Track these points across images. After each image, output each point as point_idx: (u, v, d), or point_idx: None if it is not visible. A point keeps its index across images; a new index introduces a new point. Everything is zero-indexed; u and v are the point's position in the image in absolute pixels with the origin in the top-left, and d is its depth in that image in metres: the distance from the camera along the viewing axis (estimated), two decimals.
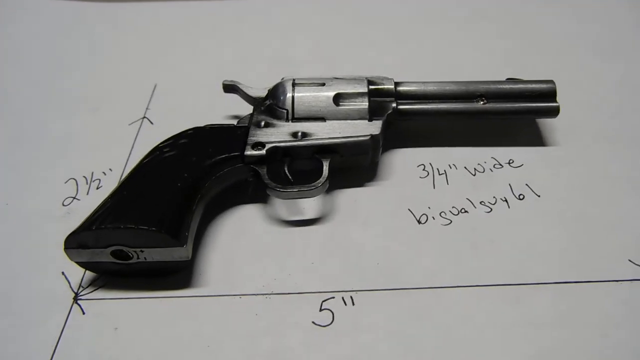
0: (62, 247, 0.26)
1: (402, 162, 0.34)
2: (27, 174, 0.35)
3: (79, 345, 0.26)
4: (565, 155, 0.34)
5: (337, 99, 0.32)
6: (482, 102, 0.34)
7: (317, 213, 0.32)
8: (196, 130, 0.31)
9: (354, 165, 0.33)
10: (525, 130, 0.36)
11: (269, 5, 0.50)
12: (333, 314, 0.27)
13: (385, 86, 0.34)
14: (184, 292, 0.28)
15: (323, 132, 0.31)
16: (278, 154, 0.31)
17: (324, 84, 0.33)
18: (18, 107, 0.40)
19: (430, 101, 0.34)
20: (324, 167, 0.31)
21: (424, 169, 0.34)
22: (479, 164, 0.34)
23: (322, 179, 0.30)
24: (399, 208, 0.32)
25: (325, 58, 0.43)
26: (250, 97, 0.35)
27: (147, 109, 0.39)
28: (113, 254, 0.27)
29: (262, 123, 0.32)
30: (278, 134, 0.31)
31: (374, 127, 0.32)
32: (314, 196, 0.31)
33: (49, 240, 0.30)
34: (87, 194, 0.33)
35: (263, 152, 0.30)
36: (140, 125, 0.38)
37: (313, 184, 0.30)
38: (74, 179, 0.34)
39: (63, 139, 0.37)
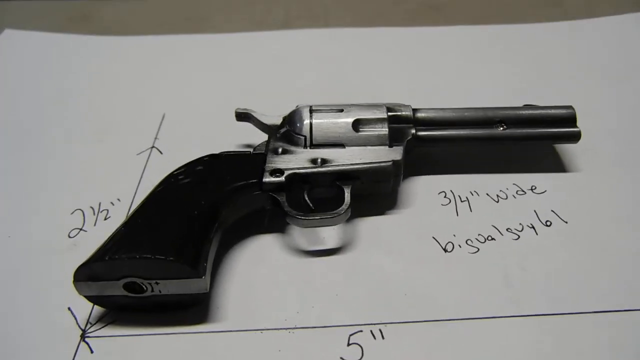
0: (71, 279, 0.25)
1: (423, 189, 0.33)
2: (32, 204, 0.33)
3: None
4: (588, 180, 0.34)
5: (357, 125, 0.32)
6: (501, 128, 0.33)
7: (338, 242, 0.30)
8: (212, 157, 0.30)
9: (374, 193, 0.32)
10: (545, 156, 0.35)
11: (280, 37, 0.50)
12: (362, 349, 0.25)
13: (404, 113, 0.33)
14: (201, 327, 0.26)
15: (343, 159, 0.30)
16: (297, 181, 0.30)
17: (342, 110, 0.32)
18: (23, 137, 0.39)
19: (449, 127, 0.34)
20: (346, 194, 0.30)
21: (445, 197, 0.33)
22: (501, 190, 0.33)
23: (344, 206, 0.29)
24: (423, 236, 0.30)
25: (337, 87, 0.43)
26: (265, 124, 0.34)
27: (155, 138, 0.38)
28: (126, 286, 0.25)
29: (280, 150, 0.31)
30: (297, 161, 0.30)
31: (396, 153, 0.31)
32: (336, 224, 0.29)
33: (54, 273, 0.28)
34: (95, 225, 0.32)
35: (282, 178, 0.29)
36: (149, 155, 0.37)
37: (335, 212, 0.29)
38: (80, 209, 0.33)
39: (69, 169, 0.36)
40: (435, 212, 0.32)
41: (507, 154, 0.36)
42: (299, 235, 0.31)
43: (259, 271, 0.29)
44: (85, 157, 0.37)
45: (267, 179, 0.29)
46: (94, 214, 0.32)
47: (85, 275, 0.25)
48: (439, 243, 0.30)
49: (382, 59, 0.46)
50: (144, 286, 0.25)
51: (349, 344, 0.25)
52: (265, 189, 0.29)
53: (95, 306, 0.27)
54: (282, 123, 0.33)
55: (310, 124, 0.31)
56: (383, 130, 0.32)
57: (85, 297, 0.26)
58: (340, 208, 0.29)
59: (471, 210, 0.32)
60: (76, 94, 0.43)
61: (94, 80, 0.45)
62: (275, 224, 0.31)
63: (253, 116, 0.35)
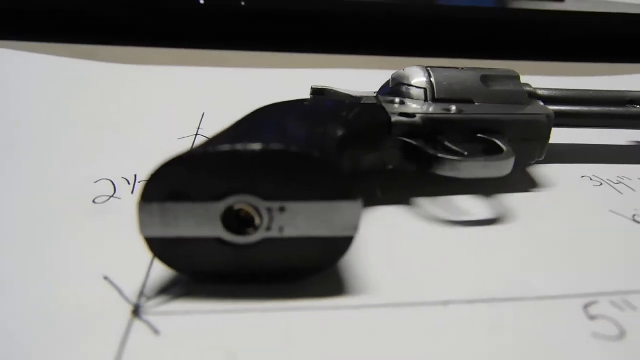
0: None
1: (559, 174, 0.26)
2: (58, 173, 0.23)
3: None
4: None
5: (485, 80, 0.25)
6: (637, 107, 0.28)
7: (488, 214, 0.22)
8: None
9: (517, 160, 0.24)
10: None
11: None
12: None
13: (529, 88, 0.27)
14: (334, 301, 0.16)
15: (481, 111, 0.24)
16: (430, 127, 0.22)
17: (462, 69, 0.26)
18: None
19: (579, 104, 0.28)
20: (499, 143, 0.22)
21: (590, 180, 0.26)
22: None
23: (506, 152, 0.21)
24: (597, 210, 0.23)
25: None
26: (356, 97, 0.27)
27: (199, 128, 0.30)
28: (227, 219, 0.15)
29: (397, 100, 0.24)
30: (424, 108, 0.23)
31: (542, 109, 0.24)
32: (501, 174, 0.21)
33: (77, 241, 0.18)
34: (132, 193, 0.21)
35: (417, 119, 0.22)
36: (194, 141, 0.28)
37: (498, 156, 0.21)
38: (108, 179, 0.23)
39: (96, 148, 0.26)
40: (591, 192, 0.25)
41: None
42: (431, 205, 0.22)
43: (396, 241, 0.19)
44: (119, 140, 0.27)
45: (397, 118, 0.22)
46: (129, 183, 0.22)
47: (164, 187, 0.14)
48: (622, 215, 0.22)
49: None
50: (257, 217, 0.15)
51: (591, 317, 0.16)
52: (395, 133, 0.21)
53: (151, 276, 0.16)
54: (385, 84, 0.26)
55: (429, 74, 0.25)
56: (518, 87, 0.25)
57: (149, 242, 0.15)
58: (505, 152, 0.21)
59: (635, 190, 0.25)
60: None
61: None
62: (390, 196, 0.22)
63: (334, 91, 0.28)
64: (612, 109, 0.28)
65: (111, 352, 0.13)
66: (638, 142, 0.31)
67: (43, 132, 0.28)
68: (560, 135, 0.28)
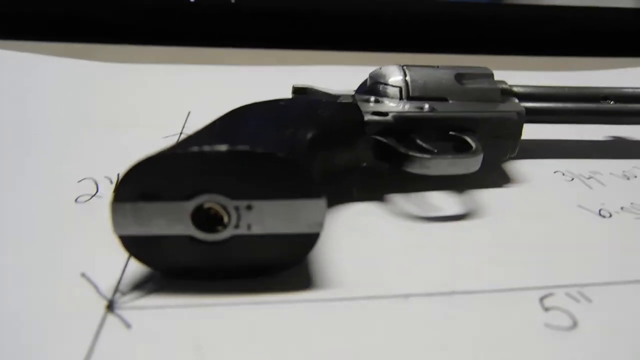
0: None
1: (532, 170, 0.27)
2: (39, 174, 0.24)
3: None
4: None
5: (460, 78, 0.26)
6: (610, 103, 0.29)
7: (459, 210, 0.22)
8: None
9: (488, 157, 0.25)
10: None
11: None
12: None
13: (504, 85, 0.28)
14: (307, 294, 0.16)
15: (453, 109, 0.24)
16: (404, 126, 0.23)
17: (437, 67, 0.27)
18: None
19: (554, 100, 0.28)
20: (469, 140, 0.23)
21: (563, 175, 0.27)
22: (624, 171, 0.27)
23: (475, 148, 0.22)
24: (566, 205, 0.23)
25: None
26: (333, 96, 0.28)
27: (183, 127, 0.30)
28: (196, 217, 0.16)
29: (372, 99, 0.24)
30: (398, 106, 0.24)
31: (515, 106, 0.25)
32: (469, 171, 0.22)
33: (56, 240, 0.18)
34: None
35: (389, 118, 0.22)
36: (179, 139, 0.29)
37: (466, 153, 0.22)
38: (91, 178, 0.23)
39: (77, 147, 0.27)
40: (562, 187, 0.25)
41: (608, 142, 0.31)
42: (404, 201, 0.23)
43: (367, 239, 0.20)
44: (104, 139, 0.28)
45: (370, 117, 0.22)
46: (112, 183, 0.23)
47: (136, 188, 0.15)
48: (589, 210, 0.23)
49: None
50: (227, 213, 0.16)
51: (545, 309, 0.16)
52: (369, 132, 0.22)
53: (126, 272, 0.17)
54: (363, 82, 0.27)
55: (405, 72, 0.25)
56: (492, 85, 0.26)
57: (122, 238, 0.16)
58: (473, 149, 0.22)
59: (604, 185, 0.26)
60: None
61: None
62: (364, 194, 0.23)
63: (315, 90, 0.28)
64: (587, 105, 0.28)
65: (84, 346, 0.14)
66: (614, 137, 0.32)
67: (27, 130, 0.28)
68: (537, 131, 0.29)
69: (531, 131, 0.28)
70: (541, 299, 0.17)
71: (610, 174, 0.27)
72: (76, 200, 0.21)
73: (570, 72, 0.44)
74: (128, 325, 0.15)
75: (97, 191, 0.22)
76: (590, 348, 0.15)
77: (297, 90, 0.28)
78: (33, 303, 0.16)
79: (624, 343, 0.15)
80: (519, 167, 0.27)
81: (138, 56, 0.45)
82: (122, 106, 0.33)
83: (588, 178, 0.26)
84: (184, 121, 0.31)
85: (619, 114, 0.29)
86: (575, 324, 0.16)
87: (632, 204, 0.24)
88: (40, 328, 0.15)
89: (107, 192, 0.22)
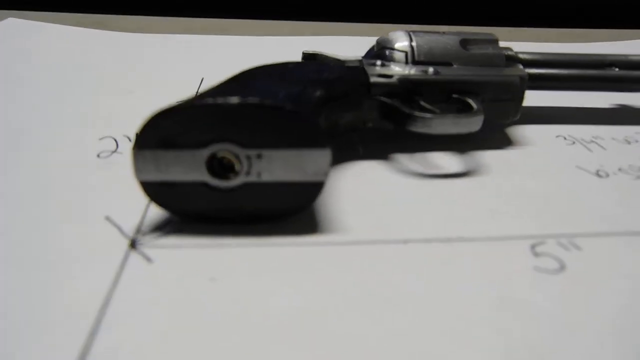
0: (132, 147, 0.16)
1: (535, 134, 0.28)
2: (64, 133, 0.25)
3: (152, 302, 0.15)
4: None
5: (464, 43, 0.27)
6: (615, 70, 0.29)
7: (461, 168, 0.23)
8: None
9: (491, 119, 0.26)
10: None
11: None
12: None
13: (509, 52, 0.28)
14: (315, 238, 0.18)
15: (457, 73, 0.25)
16: (408, 88, 0.24)
17: (443, 33, 0.27)
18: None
19: (559, 67, 0.29)
20: (471, 102, 0.24)
21: (565, 139, 0.27)
22: (626, 136, 0.28)
23: (476, 109, 0.23)
24: (565, 166, 0.24)
25: None
26: (342, 61, 0.29)
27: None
28: (210, 165, 0.17)
29: (378, 62, 0.25)
30: (404, 70, 0.24)
31: (518, 71, 0.26)
32: (471, 130, 0.23)
33: (80, 189, 0.20)
34: None
35: (394, 80, 0.23)
36: None
37: (468, 113, 0.22)
38: (111, 137, 0.25)
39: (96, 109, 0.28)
40: (562, 149, 0.26)
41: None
42: (408, 160, 0.24)
43: (370, 190, 0.21)
44: (121, 103, 0.29)
45: (376, 79, 0.23)
46: (130, 140, 0.24)
47: (155, 136, 0.16)
48: (586, 171, 0.24)
49: None
50: (237, 163, 0.17)
51: (536, 254, 0.17)
52: (374, 93, 0.23)
53: (147, 216, 0.18)
54: (371, 48, 0.28)
55: (411, 38, 0.26)
56: (496, 50, 0.27)
57: (143, 184, 0.17)
58: (475, 109, 0.23)
59: (605, 149, 0.26)
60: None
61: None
62: (370, 152, 0.24)
63: (324, 56, 0.29)
64: (592, 71, 0.29)
65: (110, 277, 0.16)
66: (619, 105, 0.32)
67: (54, 95, 0.30)
68: (542, 99, 0.29)
69: (536, 98, 0.29)
70: (532, 247, 0.18)
71: (612, 138, 0.28)
72: (98, 155, 0.23)
73: (579, 44, 0.44)
74: (149, 260, 0.16)
75: (117, 148, 0.24)
76: (575, 290, 0.16)
77: (307, 57, 0.29)
78: (64, 242, 0.17)
79: (608, 287, 0.16)
80: (522, 131, 0.28)
81: (153, 26, 0.46)
82: (138, 74, 0.34)
83: (589, 142, 0.27)
84: (198, 87, 0.32)
85: (623, 80, 0.29)
86: (562, 268, 0.17)
87: (630, 165, 0.24)
88: (71, 263, 0.16)
89: (126, 148, 0.24)
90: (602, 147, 0.26)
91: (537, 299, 0.15)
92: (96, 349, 0.13)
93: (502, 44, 0.28)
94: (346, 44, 0.41)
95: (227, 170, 0.17)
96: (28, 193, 0.20)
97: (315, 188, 0.18)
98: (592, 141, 0.27)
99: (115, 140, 0.24)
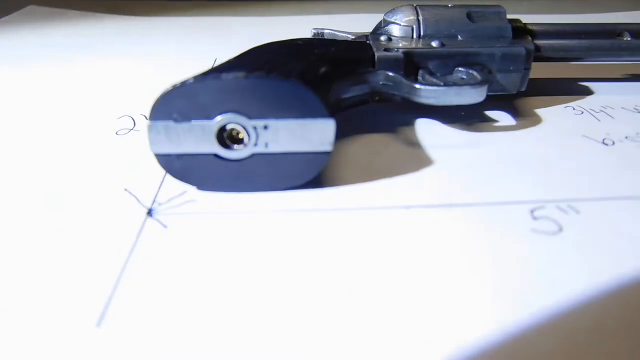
0: (149, 116, 0.18)
1: (541, 106, 0.28)
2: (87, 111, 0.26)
3: (167, 264, 0.16)
4: None
5: (471, 16, 0.27)
6: (627, 39, 0.29)
7: (466, 139, 0.24)
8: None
9: (497, 91, 0.26)
10: None
11: None
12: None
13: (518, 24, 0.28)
14: (320, 204, 0.19)
15: (463, 46, 0.25)
16: (413, 61, 0.24)
17: (450, 6, 0.28)
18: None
19: (569, 37, 0.29)
20: (475, 74, 0.24)
21: (573, 110, 0.27)
22: (636, 106, 0.28)
23: (480, 81, 0.23)
24: (571, 134, 0.24)
25: None
26: (350, 38, 0.29)
27: None
28: (221, 136, 0.18)
29: (384, 37, 0.26)
30: (410, 44, 0.25)
31: (525, 42, 0.26)
32: (476, 101, 0.23)
33: (103, 162, 0.21)
34: None
35: (399, 53, 0.24)
36: None
37: (473, 84, 0.23)
38: (129, 116, 0.26)
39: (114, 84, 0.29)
40: (570, 119, 0.26)
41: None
42: (413, 131, 0.24)
43: (374, 158, 0.22)
44: (136, 83, 0.30)
45: (381, 53, 0.24)
46: (147, 119, 0.25)
47: (167, 109, 0.17)
48: (592, 139, 0.24)
49: None
50: (245, 135, 0.18)
51: (535, 218, 0.18)
52: (379, 67, 0.23)
53: (163, 187, 0.19)
54: (379, 23, 0.28)
55: (418, 13, 0.26)
56: (503, 22, 0.27)
57: (158, 158, 0.18)
58: (479, 80, 0.23)
59: (613, 118, 0.26)
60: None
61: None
62: (377, 124, 0.25)
63: (333, 33, 0.30)
64: (603, 41, 0.29)
65: (128, 243, 0.17)
66: (631, 75, 0.32)
67: (75, 77, 0.31)
68: (553, 71, 0.29)
69: (547, 71, 0.29)
70: (532, 211, 0.18)
71: (622, 108, 0.28)
72: (117, 133, 0.24)
73: (590, 15, 0.43)
74: (164, 227, 0.17)
75: (134, 126, 0.25)
76: (572, 251, 0.17)
77: (316, 34, 0.30)
78: (85, 210, 0.18)
79: (604, 249, 0.17)
80: (531, 103, 0.28)
81: (169, 10, 0.47)
82: (154, 57, 0.35)
83: (598, 112, 0.27)
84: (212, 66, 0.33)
85: (636, 50, 0.29)
86: (560, 230, 0.17)
87: (638, 133, 0.24)
88: (91, 229, 0.17)
89: (143, 126, 0.25)
90: (610, 116, 0.26)
91: (533, 259, 0.16)
92: (114, 307, 0.14)
93: (511, 16, 0.28)
94: (356, 22, 0.41)
95: (236, 143, 0.18)
96: (53, 169, 0.21)
97: (321, 157, 0.19)
98: (602, 111, 0.27)
99: (133, 119, 0.25)
